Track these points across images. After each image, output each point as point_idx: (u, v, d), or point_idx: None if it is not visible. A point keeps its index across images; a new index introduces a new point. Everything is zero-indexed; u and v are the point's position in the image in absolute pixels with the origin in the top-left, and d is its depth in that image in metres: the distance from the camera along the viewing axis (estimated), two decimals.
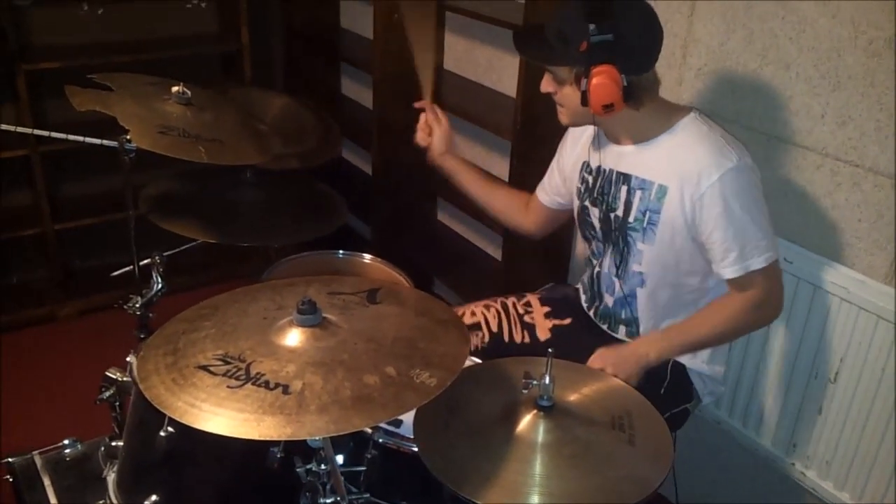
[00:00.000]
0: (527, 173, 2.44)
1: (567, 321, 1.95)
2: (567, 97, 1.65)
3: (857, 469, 1.89)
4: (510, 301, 2.02)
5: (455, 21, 2.88)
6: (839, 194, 1.85)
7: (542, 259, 2.56)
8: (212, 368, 1.14)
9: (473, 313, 1.99)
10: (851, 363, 1.85)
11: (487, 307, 2.00)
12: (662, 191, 1.65)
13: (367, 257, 2.18)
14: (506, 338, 1.94)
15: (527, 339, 1.94)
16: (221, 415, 1.08)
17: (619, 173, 1.73)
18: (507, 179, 2.55)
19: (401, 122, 3.02)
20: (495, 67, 2.79)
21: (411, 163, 3.07)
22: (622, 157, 1.73)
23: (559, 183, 1.96)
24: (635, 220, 1.71)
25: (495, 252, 2.96)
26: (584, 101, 1.57)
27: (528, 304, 2.00)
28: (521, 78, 2.34)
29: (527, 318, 1.97)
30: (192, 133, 1.88)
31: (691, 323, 1.74)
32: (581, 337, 1.88)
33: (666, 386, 1.73)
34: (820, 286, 1.87)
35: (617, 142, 1.74)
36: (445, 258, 3.09)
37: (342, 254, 2.19)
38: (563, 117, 1.73)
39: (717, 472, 2.27)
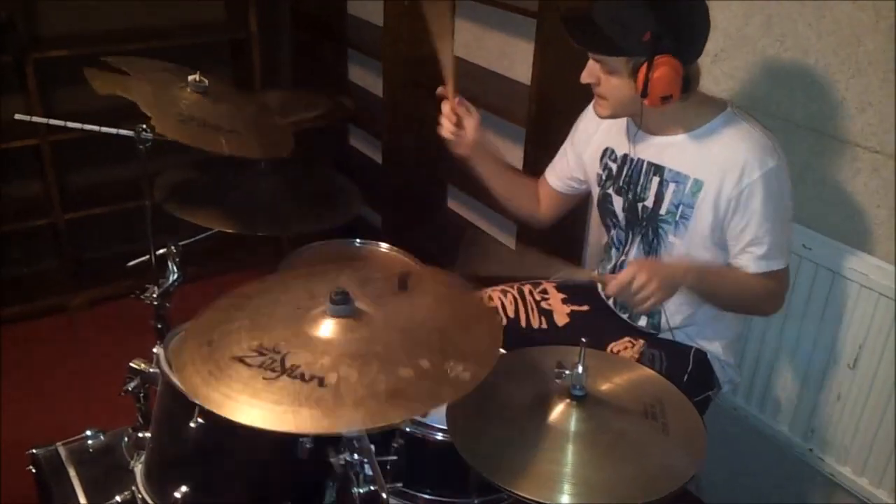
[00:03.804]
0: (541, 161, 2.42)
1: (585, 307, 1.95)
2: (616, 88, 1.61)
3: (877, 454, 1.89)
4: (526, 288, 2.01)
5: (465, 7, 2.86)
6: (858, 180, 1.85)
7: (555, 248, 2.55)
8: (247, 360, 1.14)
9: (490, 298, 1.99)
10: (871, 349, 1.86)
11: (504, 292, 2.00)
12: (698, 185, 1.64)
13: (384, 246, 2.17)
14: (523, 323, 1.94)
15: (544, 325, 1.94)
16: (258, 407, 1.08)
17: (651, 164, 1.72)
18: (521, 168, 2.55)
19: (411, 109, 3.03)
20: (507, 54, 2.78)
21: (421, 150, 3.09)
22: (655, 148, 1.71)
23: (573, 167, 1.94)
24: (668, 212, 1.70)
25: (508, 240, 2.95)
26: (645, 92, 1.53)
27: (544, 292, 2.00)
28: (535, 65, 2.33)
29: (544, 305, 1.97)
30: (211, 123, 1.87)
31: (723, 273, 1.69)
32: (600, 323, 1.88)
33: (689, 373, 1.74)
34: (839, 272, 1.87)
35: (650, 132, 1.72)
36: (456, 246, 3.09)
37: (359, 243, 2.18)
38: (604, 109, 1.67)
39: (733, 458, 2.27)
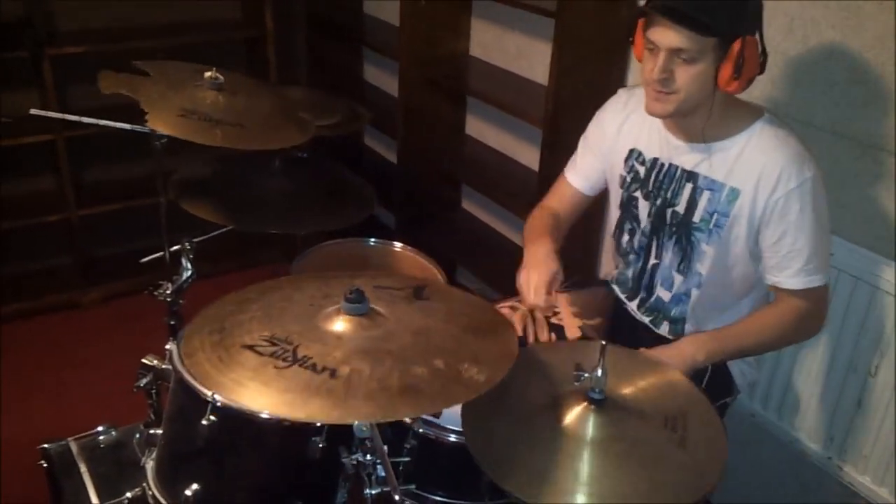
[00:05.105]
0: (557, 163, 2.40)
1: (596, 321, 1.90)
2: (694, 78, 1.50)
3: None
4: None
5: (483, 6, 2.85)
6: (880, 185, 1.82)
7: (571, 250, 2.53)
8: (258, 349, 1.12)
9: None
10: (892, 357, 1.83)
11: (514, 308, 1.96)
12: (734, 194, 1.60)
13: (398, 245, 2.16)
14: (531, 340, 1.90)
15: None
16: (267, 394, 1.06)
17: (685, 170, 1.67)
18: (537, 169, 2.53)
19: (426, 109, 3.02)
20: (525, 54, 2.76)
21: (436, 150, 3.07)
22: (687, 154, 1.66)
23: (599, 167, 1.86)
24: (701, 220, 1.66)
25: (520, 240, 2.92)
26: (738, 72, 1.47)
27: (554, 306, 1.96)
28: (553, 65, 2.31)
29: (554, 320, 1.91)
30: (213, 117, 1.87)
31: (741, 328, 1.69)
32: (613, 335, 1.84)
33: (707, 380, 1.70)
34: (861, 278, 1.84)
35: (683, 136, 1.66)
36: (470, 246, 3.07)
37: (373, 242, 2.17)
38: (668, 105, 1.55)
39: (749, 465, 2.24)
